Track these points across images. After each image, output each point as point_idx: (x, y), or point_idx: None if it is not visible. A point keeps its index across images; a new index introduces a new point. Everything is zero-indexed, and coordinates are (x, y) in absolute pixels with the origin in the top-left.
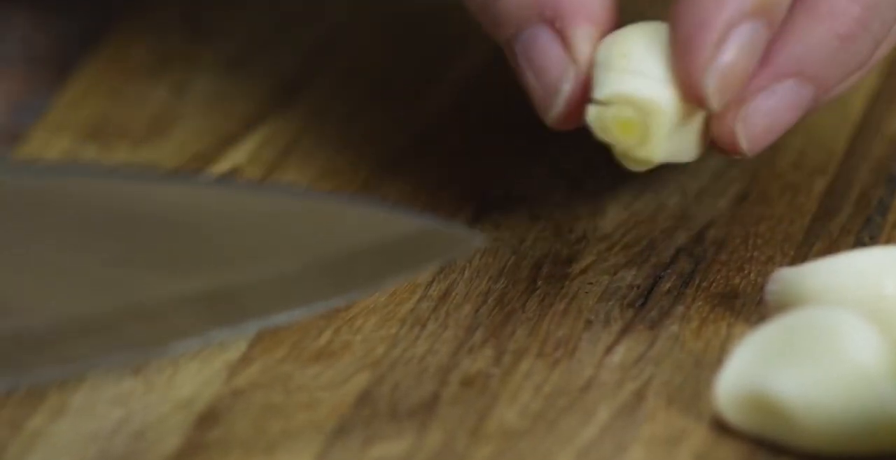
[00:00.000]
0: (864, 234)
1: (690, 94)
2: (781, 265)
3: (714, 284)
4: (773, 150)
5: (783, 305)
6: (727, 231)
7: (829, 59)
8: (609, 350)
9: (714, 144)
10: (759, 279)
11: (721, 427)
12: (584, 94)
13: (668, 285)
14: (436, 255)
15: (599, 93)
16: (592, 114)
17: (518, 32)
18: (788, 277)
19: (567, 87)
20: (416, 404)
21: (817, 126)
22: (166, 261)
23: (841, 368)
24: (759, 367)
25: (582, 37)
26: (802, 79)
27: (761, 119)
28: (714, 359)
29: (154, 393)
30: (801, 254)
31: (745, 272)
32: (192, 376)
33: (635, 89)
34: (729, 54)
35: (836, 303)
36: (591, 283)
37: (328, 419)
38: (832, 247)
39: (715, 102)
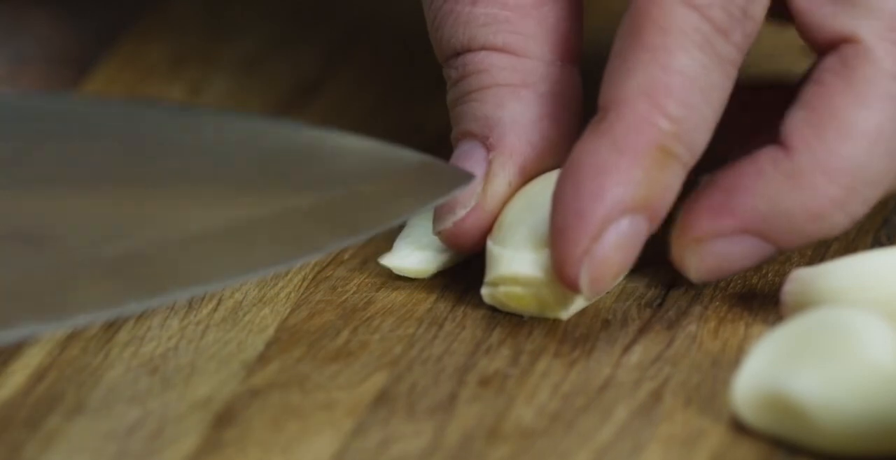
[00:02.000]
0: (882, 234)
1: (564, 282)
2: (799, 265)
3: (731, 284)
4: None
5: (800, 305)
6: None
7: (796, 230)
8: (626, 350)
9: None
10: (776, 279)
11: (738, 427)
12: (477, 228)
13: (685, 285)
14: (439, 191)
15: (487, 275)
16: (485, 294)
17: (456, 133)
18: (806, 277)
19: (461, 213)
20: (434, 404)
21: None
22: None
23: (858, 368)
24: (776, 367)
25: (502, 171)
26: (762, 238)
27: (713, 259)
28: (731, 359)
29: (171, 392)
30: (819, 254)
31: (763, 272)
32: (210, 375)
33: (517, 269)
34: (605, 249)
35: (853, 303)
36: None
37: (345, 419)
38: (850, 247)
39: (587, 292)
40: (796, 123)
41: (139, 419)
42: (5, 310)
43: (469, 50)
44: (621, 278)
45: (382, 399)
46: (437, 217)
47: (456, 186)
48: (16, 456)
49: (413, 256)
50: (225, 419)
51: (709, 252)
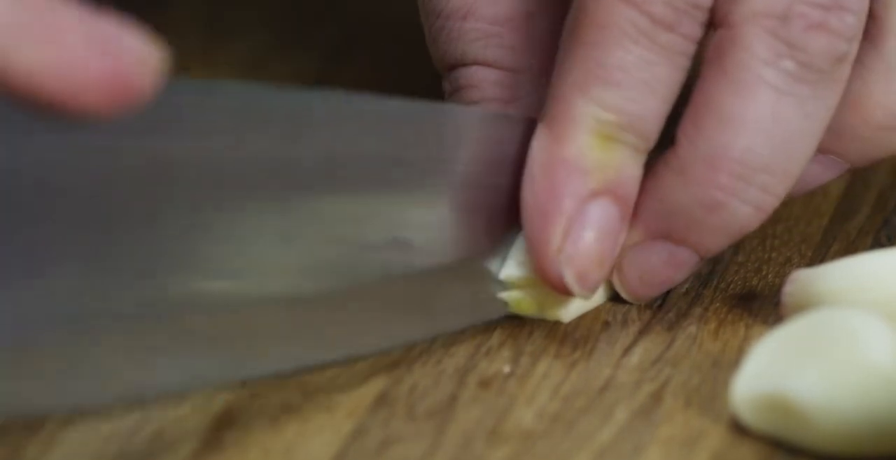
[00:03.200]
0: (882, 235)
1: (551, 284)
2: (799, 266)
3: (732, 285)
4: None
5: (800, 306)
6: None
7: (697, 225)
8: (627, 351)
9: None
10: (776, 280)
11: (738, 428)
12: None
13: (685, 286)
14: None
15: (500, 275)
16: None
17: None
18: (806, 278)
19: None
20: (434, 406)
21: None
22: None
23: (858, 369)
24: (776, 368)
25: None
26: (673, 241)
27: (635, 272)
28: (732, 360)
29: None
30: (819, 256)
31: (763, 273)
32: None
33: (509, 273)
34: (579, 242)
35: (853, 304)
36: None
37: (345, 420)
38: (850, 249)
39: (577, 289)
40: (682, 120)
41: (140, 420)
42: None
43: (462, 64)
44: (659, 290)
45: (382, 400)
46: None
47: None
48: (17, 457)
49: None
50: (225, 421)
51: (627, 265)
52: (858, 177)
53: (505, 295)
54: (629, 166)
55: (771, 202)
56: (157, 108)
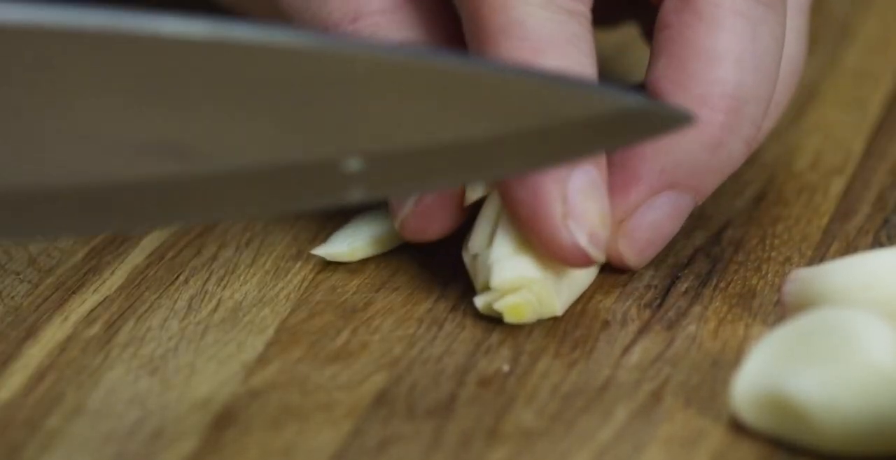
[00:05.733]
0: (882, 235)
1: (568, 256)
2: (799, 265)
3: (731, 285)
4: (791, 151)
5: (800, 306)
6: (744, 231)
7: (701, 168)
8: (626, 350)
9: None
10: (776, 279)
11: (738, 427)
12: (439, 204)
13: (685, 285)
14: (648, 131)
15: (484, 284)
16: (482, 303)
17: None
18: (806, 278)
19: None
20: (434, 404)
21: (835, 127)
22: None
23: (858, 368)
24: (776, 368)
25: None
26: (678, 189)
27: (644, 233)
28: (731, 360)
29: (171, 393)
30: (819, 255)
31: (763, 272)
32: (210, 376)
33: (522, 273)
34: (578, 203)
35: (853, 304)
36: (608, 283)
37: (345, 419)
38: (850, 248)
39: (594, 251)
40: (660, 71)
41: (139, 420)
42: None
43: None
44: (658, 249)
45: (382, 399)
46: (393, 211)
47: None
48: (16, 456)
49: (344, 244)
50: (225, 419)
51: (637, 227)
52: (858, 177)
53: (500, 304)
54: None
55: (756, 135)
56: None
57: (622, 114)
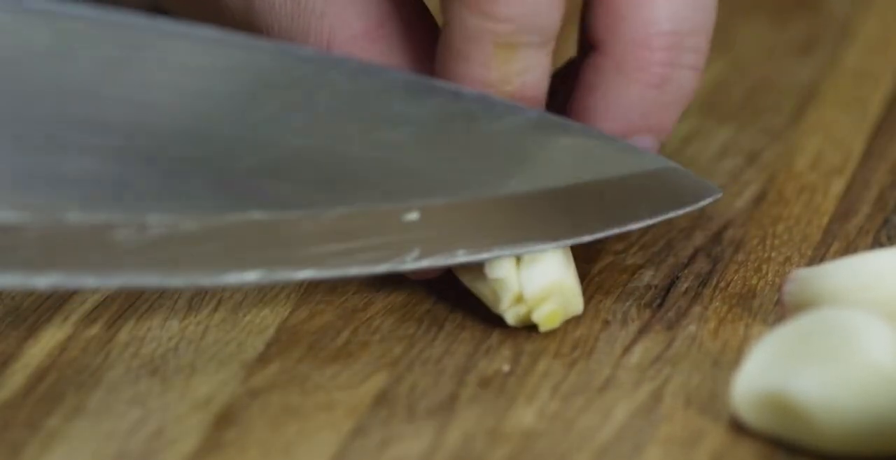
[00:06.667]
0: (882, 235)
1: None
2: (799, 265)
3: (731, 285)
4: (791, 151)
5: (800, 306)
6: (745, 231)
7: (653, 107)
8: (626, 350)
9: None
10: (776, 279)
11: (739, 427)
12: None
13: (685, 285)
14: (679, 201)
15: (515, 298)
16: (513, 316)
17: None
18: (806, 278)
19: None
20: (434, 404)
21: (835, 127)
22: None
23: (858, 368)
24: (776, 368)
25: None
26: (639, 133)
27: None
28: (731, 360)
29: (172, 393)
30: (819, 255)
31: (763, 272)
32: (210, 376)
33: (553, 277)
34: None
35: (853, 304)
36: (608, 284)
37: (345, 419)
38: (850, 248)
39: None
40: (595, 18)
41: (139, 419)
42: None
43: None
44: None
45: (382, 399)
46: None
47: (701, 199)
48: (16, 456)
49: None
50: (225, 419)
51: None
52: (858, 177)
53: (538, 315)
54: (534, 66)
55: (703, 59)
56: None
57: (652, 175)
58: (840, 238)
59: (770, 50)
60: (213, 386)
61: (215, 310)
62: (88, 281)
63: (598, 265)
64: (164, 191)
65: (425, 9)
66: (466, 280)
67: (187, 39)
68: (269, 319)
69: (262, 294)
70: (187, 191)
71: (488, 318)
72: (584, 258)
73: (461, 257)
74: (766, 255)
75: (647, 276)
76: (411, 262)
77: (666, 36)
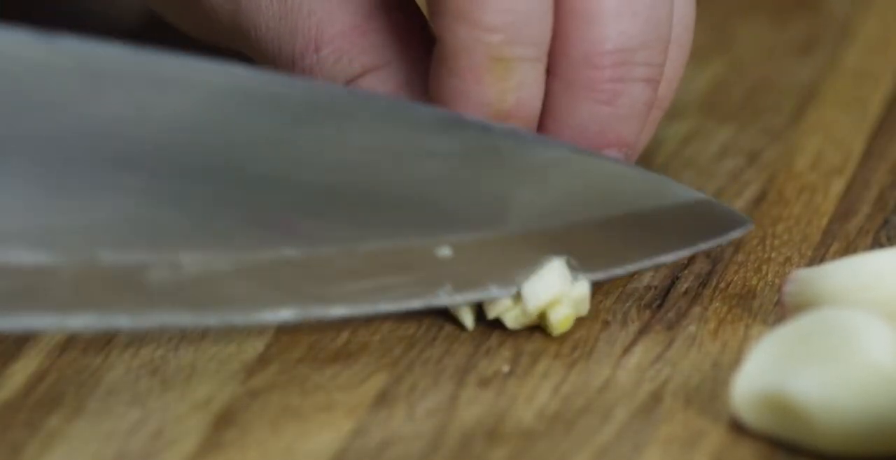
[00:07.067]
0: (882, 235)
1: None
2: (799, 266)
3: (731, 285)
4: (791, 151)
5: (800, 306)
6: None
7: (608, 122)
8: (626, 351)
9: None
10: (776, 280)
11: (739, 428)
12: None
13: (685, 286)
14: (710, 233)
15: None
16: (511, 319)
17: None
18: (806, 278)
19: None
20: (434, 405)
21: (835, 127)
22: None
23: (858, 369)
24: (776, 368)
25: None
26: (596, 147)
27: None
28: (731, 360)
29: (172, 393)
30: (819, 255)
31: (763, 273)
32: (210, 377)
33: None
34: None
35: (853, 304)
36: (608, 284)
37: (345, 420)
38: (850, 248)
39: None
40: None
41: (139, 420)
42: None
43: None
44: None
45: (382, 400)
46: None
47: (731, 229)
48: (16, 456)
49: None
50: (225, 420)
51: None
52: (858, 177)
53: (555, 320)
54: (529, 83)
55: (658, 70)
56: None
57: (684, 207)
58: (840, 238)
59: (770, 50)
60: (213, 387)
61: None
62: (122, 321)
63: None
64: (197, 230)
65: (412, 2)
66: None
67: (216, 75)
68: None
69: None
70: (220, 229)
71: (488, 319)
72: None
73: (493, 292)
74: (766, 256)
75: (647, 277)
76: (444, 297)
77: (613, 54)
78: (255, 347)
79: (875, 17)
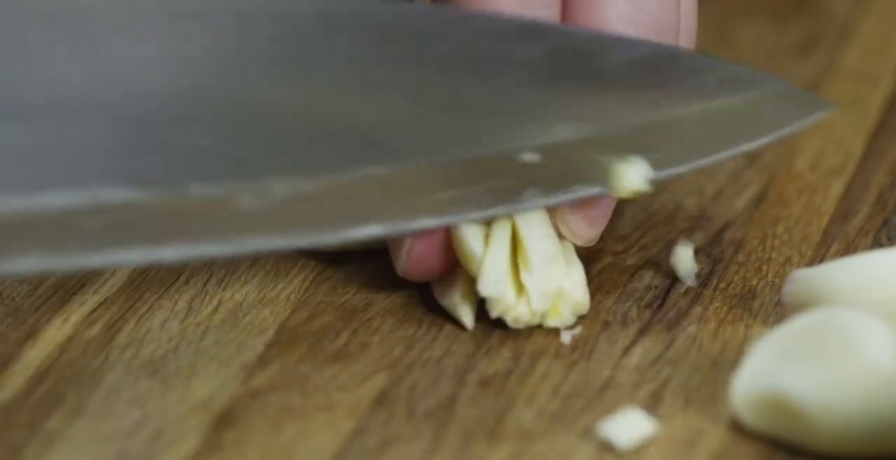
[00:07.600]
0: (882, 235)
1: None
2: (799, 266)
3: (731, 285)
4: (791, 152)
5: (800, 306)
6: (744, 232)
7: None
8: (626, 351)
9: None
10: (776, 280)
11: (738, 428)
12: (428, 251)
13: (685, 286)
14: (792, 117)
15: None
16: (513, 318)
17: None
18: (806, 278)
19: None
20: (434, 405)
21: (835, 127)
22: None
23: (857, 369)
24: (775, 368)
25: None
26: None
27: (577, 211)
28: (731, 360)
29: (172, 394)
30: (819, 255)
31: (763, 273)
32: (210, 377)
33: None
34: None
35: (853, 304)
36: (608, 284)
37: (345, 420)
38: (849, 249)
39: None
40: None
41: (139, 420)
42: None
43: None
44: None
45: (382, 400)
46: (393, 253)
47: (816, 111)
48: (16, 457)
49: None
50: (225, 420)
51: (566, 209)
52: (858, 178)
53: (558, 319)
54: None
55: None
56: None
57: (768, 95)
58: (840, 238)
59: (770, 50)
60: (213, 388)
61: (215, 311)
62: (213, 249)
63: (598, 266)
64: (281, 155)
65: None
66: (446, 304)
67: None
68: (268, 320)
69: (262, 295)
70: (304, 152)
71: (488, 318)
72: (584, 258)
73: (579, 192)
74: (765, 256)
75: (647, 277)
76: (529, 201)
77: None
78: (255, 348)
79: (875, 18)
